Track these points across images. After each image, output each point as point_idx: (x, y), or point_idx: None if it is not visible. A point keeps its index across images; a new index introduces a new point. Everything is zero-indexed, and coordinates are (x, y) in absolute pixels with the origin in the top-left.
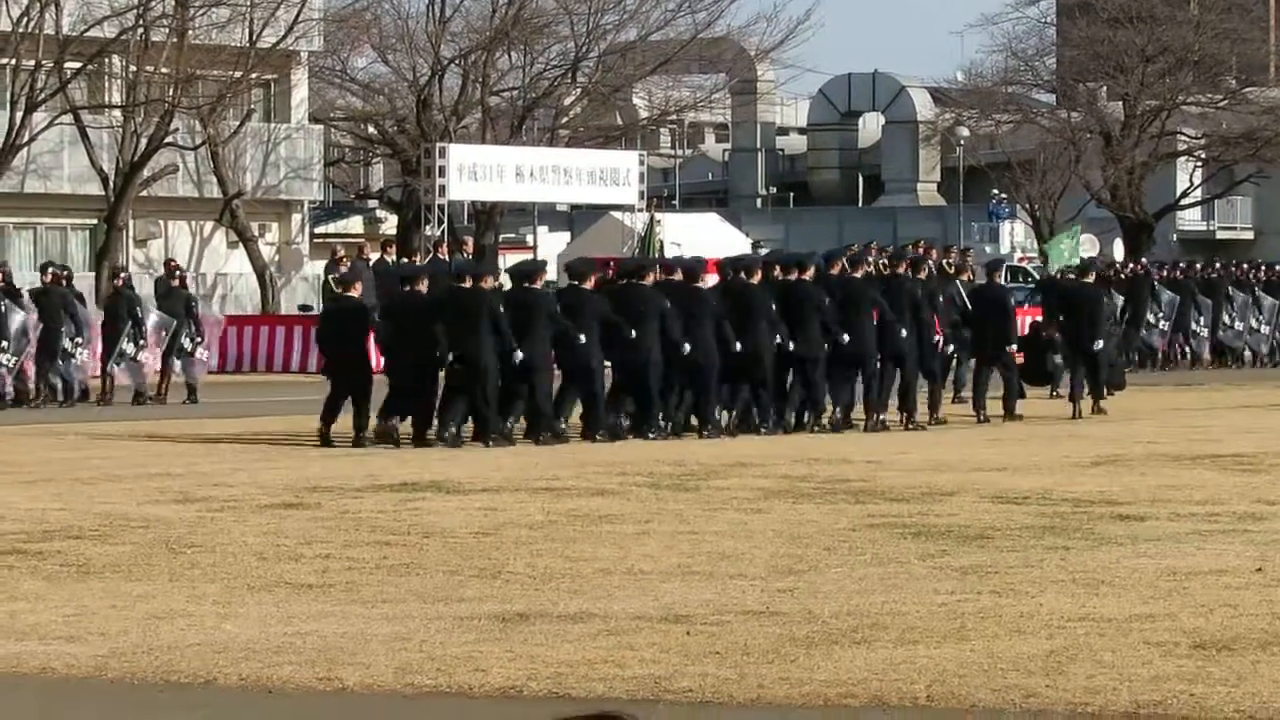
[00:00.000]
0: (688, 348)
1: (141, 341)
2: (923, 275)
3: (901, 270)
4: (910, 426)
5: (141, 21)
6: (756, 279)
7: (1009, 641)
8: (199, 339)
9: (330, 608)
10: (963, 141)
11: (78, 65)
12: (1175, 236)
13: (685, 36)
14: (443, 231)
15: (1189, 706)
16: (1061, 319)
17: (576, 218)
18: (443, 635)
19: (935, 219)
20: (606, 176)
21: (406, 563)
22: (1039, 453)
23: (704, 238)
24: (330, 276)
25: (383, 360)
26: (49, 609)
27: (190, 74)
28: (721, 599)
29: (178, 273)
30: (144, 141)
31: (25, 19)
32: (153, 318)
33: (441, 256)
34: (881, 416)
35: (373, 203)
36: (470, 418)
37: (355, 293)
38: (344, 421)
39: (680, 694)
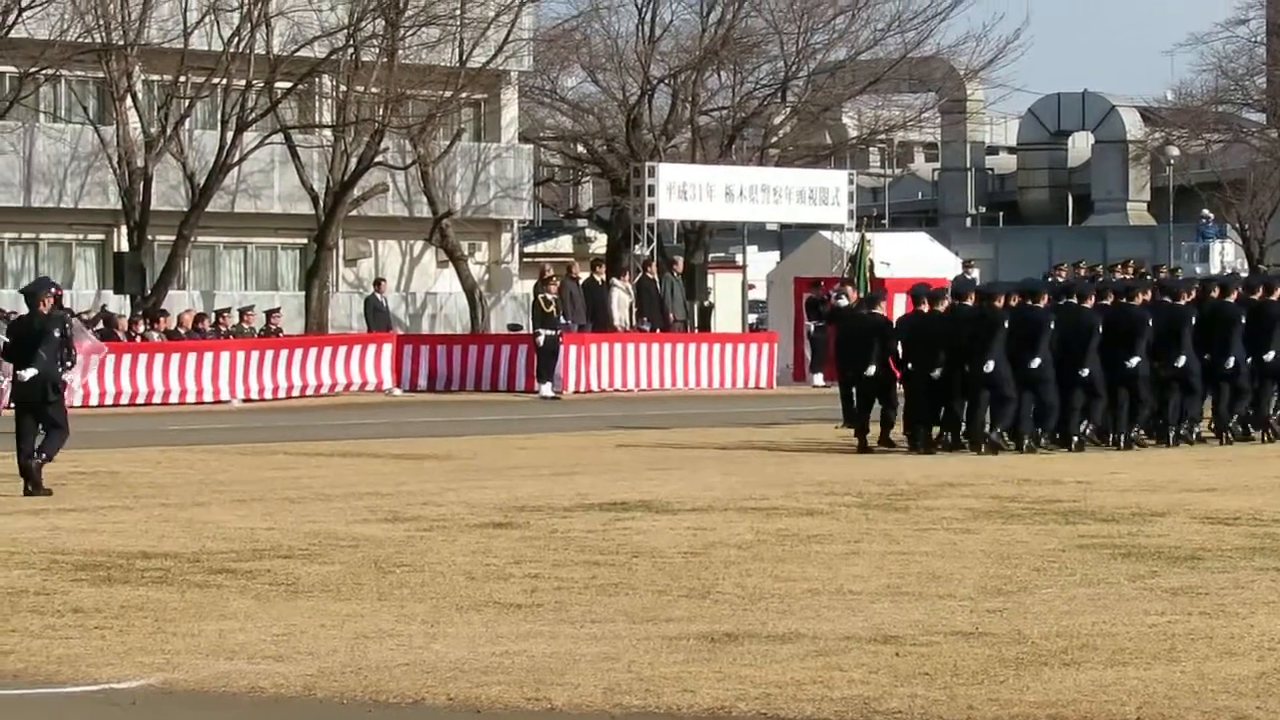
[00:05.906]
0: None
1: None
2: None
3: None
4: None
5: (352, 41)
6: (1233, 298)
7: (1219, 663)
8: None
9: (539, 627)
10: (1173, 161)
11: (288, 85)
12: None
13: (895, 56)
14: (652, 251)
15: None
16: None
17: (786, 237)
18: (651, 655)
19: (1145, 238)
20: (816, 196)
21: (615, 582)
22: (1249, 473)
23: (914, 257)
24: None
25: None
26: (258, 628)
27: (400, 94)
28: (930, 620)
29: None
30: (354, 161)
31: (236, 39)
32: None
33: (650, 276)
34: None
35: (582, 222)
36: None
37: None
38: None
39: (889, 715)
